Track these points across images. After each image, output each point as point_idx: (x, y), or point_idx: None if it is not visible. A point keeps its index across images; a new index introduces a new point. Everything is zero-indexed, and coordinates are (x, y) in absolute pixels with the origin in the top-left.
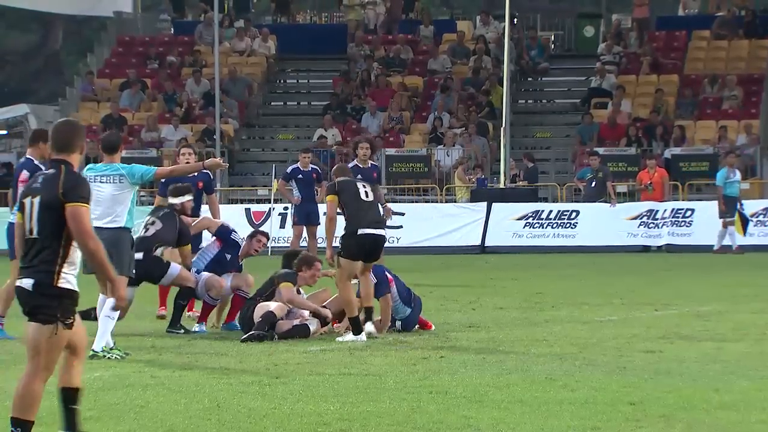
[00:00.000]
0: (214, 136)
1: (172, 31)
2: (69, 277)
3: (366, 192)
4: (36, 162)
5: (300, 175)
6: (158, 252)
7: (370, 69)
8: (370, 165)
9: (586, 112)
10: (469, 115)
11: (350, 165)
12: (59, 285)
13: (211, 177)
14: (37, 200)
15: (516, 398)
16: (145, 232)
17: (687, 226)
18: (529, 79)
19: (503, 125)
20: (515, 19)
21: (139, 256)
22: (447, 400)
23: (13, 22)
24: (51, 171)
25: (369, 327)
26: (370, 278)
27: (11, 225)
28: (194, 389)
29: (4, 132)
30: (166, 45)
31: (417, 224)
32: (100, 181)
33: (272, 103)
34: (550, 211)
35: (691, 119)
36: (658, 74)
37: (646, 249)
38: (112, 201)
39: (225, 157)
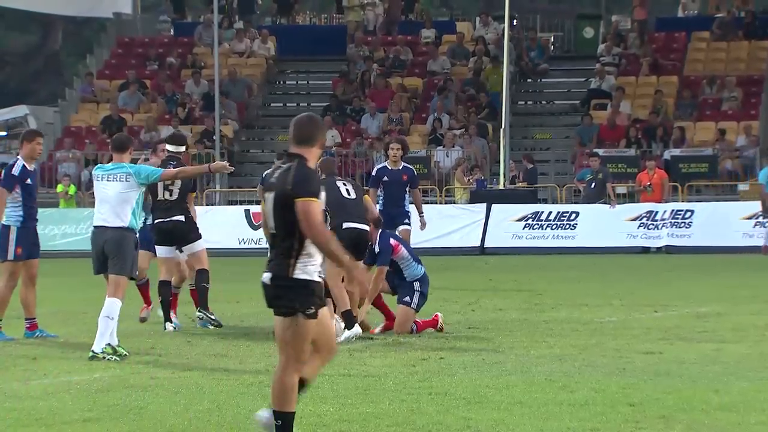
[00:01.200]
0: (214, 137)
1: (172, 33)
2: (306, 268)
3: (347, 190)
4: (28, 167)
5: None
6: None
7: (369, 70)
8: (401, 167)
9: (585, 114)
10: (468, 116)
11: (380, 166)
12: (294, 276)
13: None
14: (271, 195)
15: (516, 399)
16: (170, 195)
17: (686, 228)
18: (529, 80)
19: (503, 126)
20: (515, 20)
21: (180, 218)
22: (446, 401)
23: (12, 23)
24: (285, 165)
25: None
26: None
27: (6, 228)
28: (194, 390)
29: (4, 133)
30: (166, 46)
31: (416, 225)
32: (107, 180)
33: (272, 105)
34: (550, 213)
35: (691, 120)
36: (658, 75)
37: (645, 250)
38: (118, 200)
39: (225, 158)
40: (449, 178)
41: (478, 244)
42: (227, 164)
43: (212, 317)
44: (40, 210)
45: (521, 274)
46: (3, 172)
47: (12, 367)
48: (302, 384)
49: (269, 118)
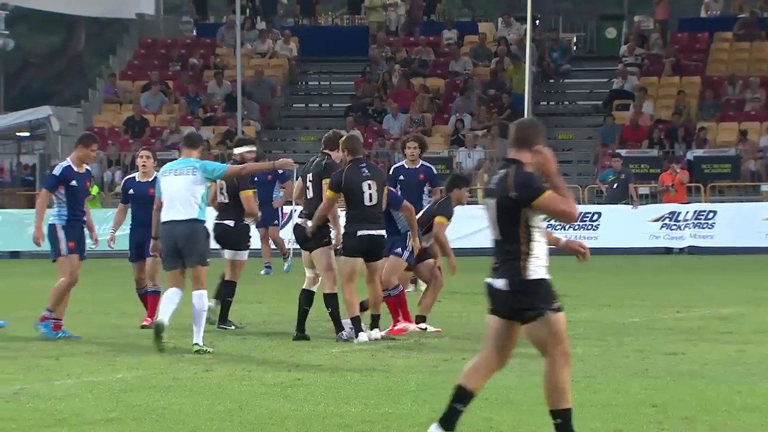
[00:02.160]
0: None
1: (195, 33)
2: (537, 269)
3: (370, 195)
4: (75, 168)
5: None
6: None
7: (391, 71)
8: (419, 165)
9: (608, 114)
10: (490, 116)
11: (396, 165)
12: (529, 278)
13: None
14: (493, 202)
15: (538, 400)
16: (224, 198)
17: (709, 228)
18: (551, 80)
19: None
20: (537, 21)
21: (230, 223)
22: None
23: (36, 25)
24: (503, 171)
25: (375, 333)
26: (378, 284)
27: (52, 226)
28: (216, 391)
29: (27, 134)
30: (189, 47)
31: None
32: (175, 175)
33: (294, 105)
34: None
35: (713, 121)
36: (681, 76)
37: (668, 251)
38: (186, 193)
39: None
40: (471, 179)
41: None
42: (291, 160)
43: (231, 328)
44: None
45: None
46: (48, 171)
47: (35, 367)
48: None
49: (291, 118)
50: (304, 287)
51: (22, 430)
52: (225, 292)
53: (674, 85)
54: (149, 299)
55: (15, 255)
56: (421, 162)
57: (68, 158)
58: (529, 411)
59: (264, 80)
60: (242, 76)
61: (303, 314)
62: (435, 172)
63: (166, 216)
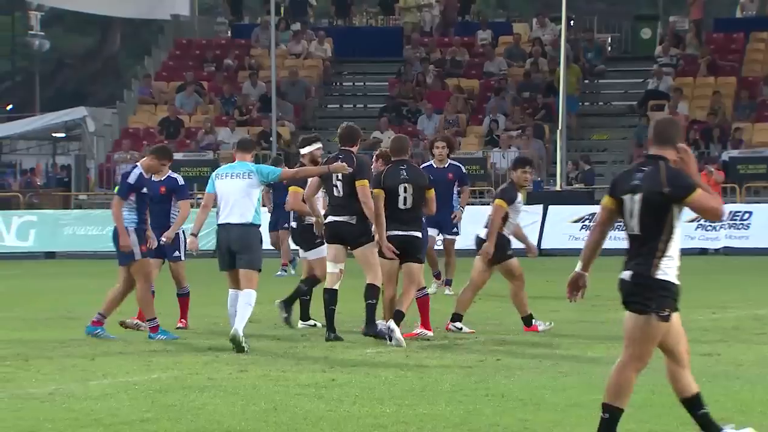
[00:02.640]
0: (271, 139)
1: (229, 34)
2: (668, 270)
3: (404, 198)
4: (146, 176)
5: None
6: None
7: (426, 71)
8: (447, 165)
9: (643, 115)
10: (524, 117)
11: (424, 165)
12: (656, 276)
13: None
14: (638, 197)
15: (573, 401)
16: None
17: (745, 229)
18: (586, 81)
19: (560, 127)
20: (572, 21)
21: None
22: (503, 403)
23: (71, 26)
24: (649, 167)
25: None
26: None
27: (116, 231)
28: (251, 391)
29: (63, 135)
30: (223, 48)
31: (472, 227)
32: (230, 178)
33: (328, 106)
34: None
35: (749, 121)
36: (716, 76)
37: (703, 252)
38: (241, 196)
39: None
40: (505, 179)
41: (534, 245)
42: (345, 164)
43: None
44: (98, 212)
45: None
46: (120, 178)
47: (71, 367)
48: (697, 397)
49: (325, 119)
50: (326, 286)
51: (58, 430)
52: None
53: (709, 85)
54: (180, 301)
55: (51, 255)
56: (449, 161)
57: (139, 164)
58: (564, 411)
59: (298, 81)
60: (277, 76)
61: (331, 314)
62: (464, 171)
63: (220, 218)
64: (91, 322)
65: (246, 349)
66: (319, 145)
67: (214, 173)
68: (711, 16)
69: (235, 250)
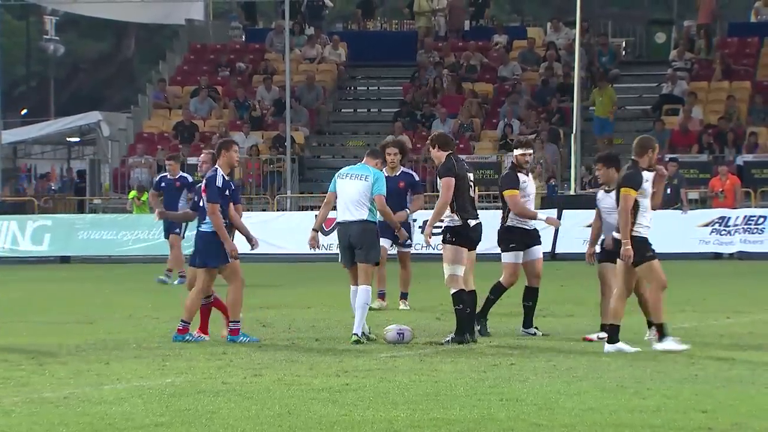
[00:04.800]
0: (285, 143)
1: (244, 39)
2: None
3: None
4: (227, 177)
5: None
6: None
7: (440, 76)
8: (399, 173)
9: (657, 119)
10: (539, 121)
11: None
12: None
13: None
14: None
15: (587, 406)
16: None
17: (759, 234)
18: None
19: (574, 132)
20: (586, 26)
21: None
22: (517, 407)
23: (86, 31)
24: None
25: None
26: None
27: (207, 234)
28: (265, 396)
29: (77, 139)
30: (238, 52)
31: (486, 231)
32: (350, 179)
33: (342, 110)
34: None
35: (763, 126)
36: (730, 81)
37: (717, 256)
38: (359, 196)
39: (296, 164)
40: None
41: (549, 249)
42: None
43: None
44: (113, 216)
45: (592, 279)
46: (205, 183)
47: (85, 371)
48: None
49: (339, 123)
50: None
51: None
52: (529, 298)
53: (724, 89)
54: (201, 310)
55: (65, 260)
56: (401, 169)
57: (217, 167)
58: (578, 416)
59: (313, 85)
60: (291, 81)
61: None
62: (416, 179)
63: (340, 216)
64: (177, 330)
65: (373, 338)
66: (529, 150)
67: (336, 174)
68: (725, 20)
69: (354, 243)
